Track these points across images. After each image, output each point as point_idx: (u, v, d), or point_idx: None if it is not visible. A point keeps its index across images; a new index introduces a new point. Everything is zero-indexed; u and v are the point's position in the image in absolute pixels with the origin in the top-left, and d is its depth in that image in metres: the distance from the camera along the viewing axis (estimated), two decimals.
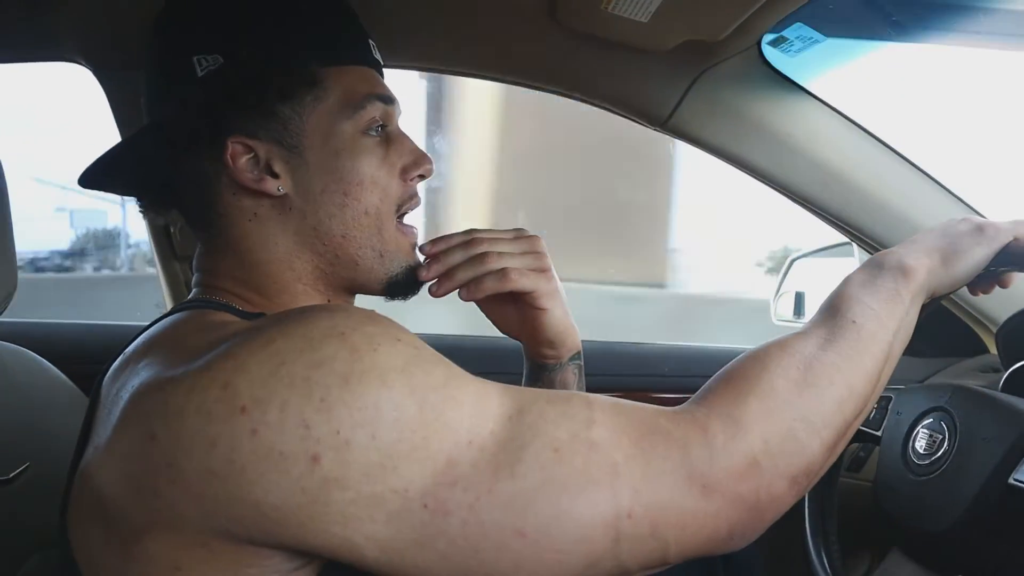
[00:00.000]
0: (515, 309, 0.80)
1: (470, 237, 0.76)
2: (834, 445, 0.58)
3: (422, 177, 0.74)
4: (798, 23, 1.03)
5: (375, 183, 0.69)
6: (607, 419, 0.53)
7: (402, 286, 0.74)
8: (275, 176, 0.67)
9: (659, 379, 1.34)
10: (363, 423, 0.48)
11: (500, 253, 0.76)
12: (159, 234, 1.27)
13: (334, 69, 0.68)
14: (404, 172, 0.72)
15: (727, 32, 0.98)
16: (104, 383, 0.60)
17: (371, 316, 0.53)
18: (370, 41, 0.74)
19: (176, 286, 1.31)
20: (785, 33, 1.06)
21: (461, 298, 0.76)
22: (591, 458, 0.51)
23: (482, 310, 0.83)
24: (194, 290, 0.71)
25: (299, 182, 0.67)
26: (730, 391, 0.56)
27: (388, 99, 0.71)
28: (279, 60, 0.66)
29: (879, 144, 1.18)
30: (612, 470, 0.51)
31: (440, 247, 0.76)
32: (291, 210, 0.68)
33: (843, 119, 1.17)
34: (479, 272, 0.75)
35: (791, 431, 0.55)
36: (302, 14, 0.69)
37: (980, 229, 0.71)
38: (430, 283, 0.76)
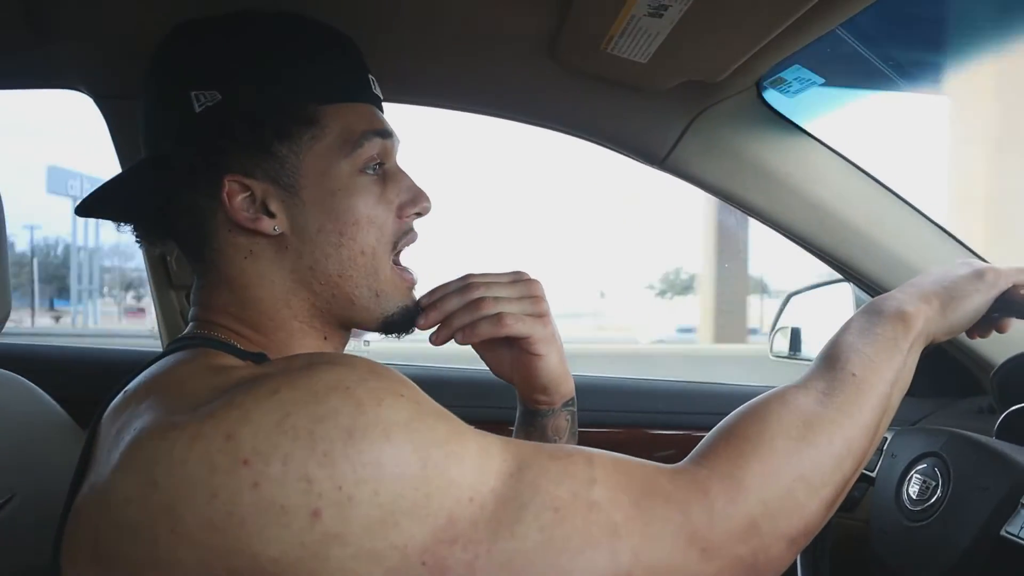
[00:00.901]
0: (510, 353, 0.80)
1: (466, 283, 0.76)
2: (833, 502, 0.58)
3: (419, 215, 0.73)
4: (796, 65, 1.04)
5: (372, 222, 0.69)
6: (608, 478, 0.53)
7: (398, 325, 0.73)
8: (271, 215, 0.67)
9: (653, 415, 1.34)
10: (366, 479, 0.48)
11: (496, 298, 0.75)
12: (155, 262, 1.27)
13: (332, 107, 0.68)
14: (401, 209, 0.71)
15: (726, 73, 0.99)
16: (103, 420, 0.60)
17: (374, 369, 0.53)
18: (370, 76, 0.73)
19: (171, 315, 1.31)
20: (783, 74, 1.07)
21: (457, 342, 0.76)
22: (591, 518, 0.51)
23: (478, 352, 0.82)
24: (191, 324, 0.71)
25: (295, 221, 0.67)
26: (731, 450, 0.56)
27: (386, 134, 0.71)
28: (277, 99, 0.65)
29: (876, 184, 1.19)
30: (612, 531, 0.51)
31: (436, 295, 0.76)
32: (287, 249, 0.68)
33: (841, 159, 1.18)
34: (475, 317, 0.75)
35: (790, 492, 0.55)
36: (301, 51, 0.68)
37: (980, 275, 0.71)
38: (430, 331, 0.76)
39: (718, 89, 1.06)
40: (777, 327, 1.57)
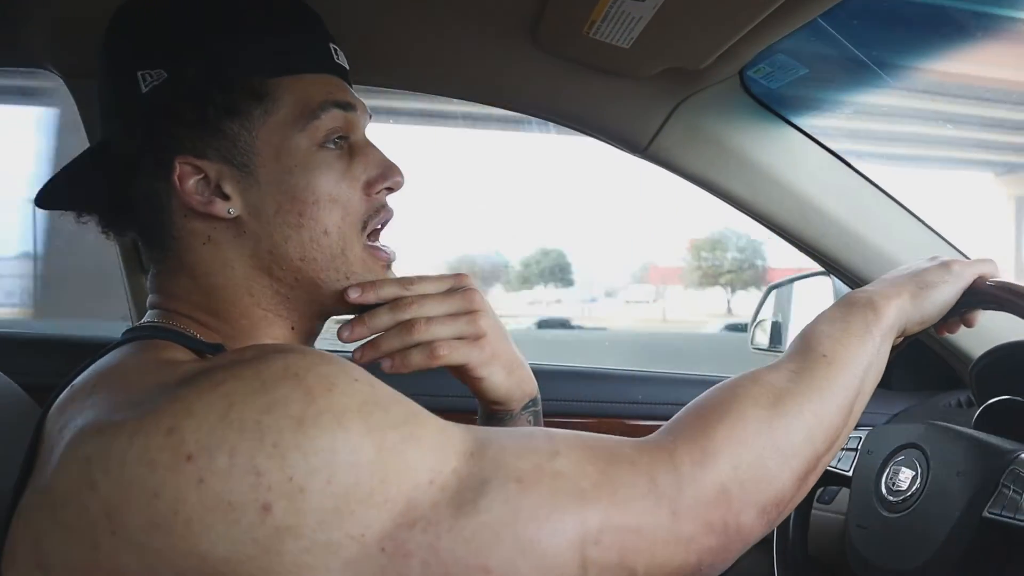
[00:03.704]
0: (454, 375, 0.74)
1: (398, 295, 0.69)
2: (804, 476, 0.58)
3: (390, 190, 0.70)
4: (780, 54, 1.04)
5: (334, 200, 0.66)
6: (570, 450, 0.52)
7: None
8: (225, 198, 0.64)
9: (632, 406, 1.33)
10: (318, 468, 0.46)
11: (428, 319, 0.68)
12: (126, 248, 1.24)
13: (285, 79, 0.65)
14: (369, 186, 0.68)
15: (709, 60, 0.98)
16: (49, 417, 0.57)
17: (326, 357, 0.51)
18: (332, 47, 0.70)
19: (143, 301, 1.28)
20: (767, 63, 1.06)
21: (384, 370, 0.68)
22: (557, 486, 0.50)
23: None
24: (149, 313, 0.68)
25: (251, 203, 0.64)
26: (698, 420, 0.56)
27: (348, 106, 0.67)
28: (220, 74, 0.63)
29: (858, 176, 1.19)
30: (579, 497, 0.50)
31: (369, 297, 0.68)
32: (245, 233, 0.65)
33: (824, 150, 1.18)
34: (405, 344, 0.68)
35: (760, 459, 0.55)
36: (249, 23, 0.65)
37: (947, 267, 0.72)
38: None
39: (701, 77, 1.05)
40: (758, 320, 1.57)
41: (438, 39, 1.03)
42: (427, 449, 0.50)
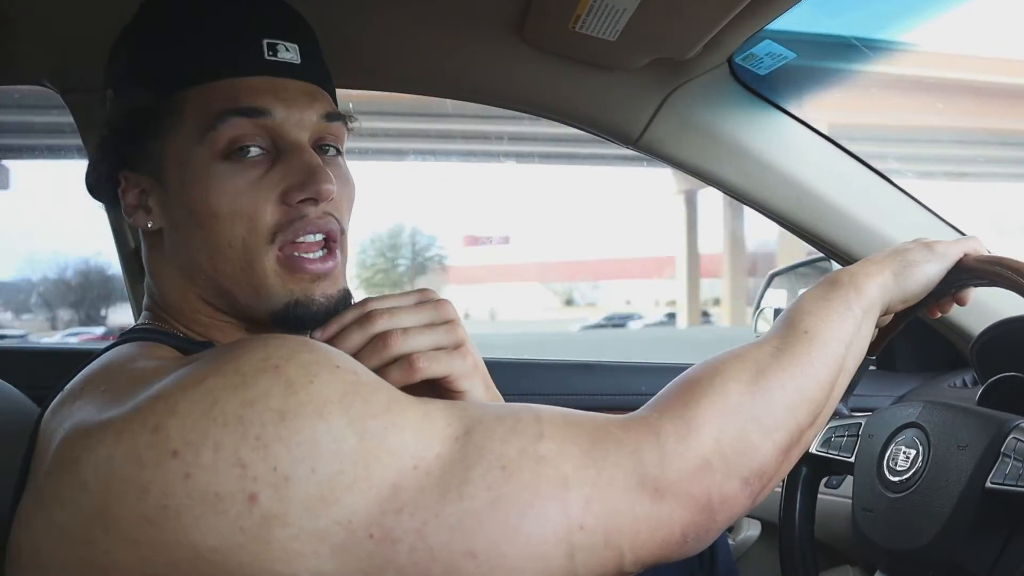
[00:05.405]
0: (431, 389, 0.66)
1: (365, 311, 0.64)
2: (787, 449, 0.58)
3: (315, 201, 0.65)
4: (767, 40, 1.04)
5: (236, 213, 0.63)
6: (556, 431, 0.53)
7: (290, 322, 0.66)
8: (149, 211, 0.67)
9: (636, 398, 1.32)
10: (302, 458, 0.47)
11: (404, 330, 0.64)
12: (127, 255, 1.26)
13: (191, 91, 0.64)
14: (287, 195, 0.64)
15: (695, 50, 0.99)
16: (43, 420, 0.58)
17: (307, 344, 0.52)
18: (267, 43, 0.65)
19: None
20: (755, 51, 1.06)
21: None
22: (540, 472, 0.50)
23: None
24: (142, 315, 0.71)
25: (168, 216, 0.67)
26: (682, 395, 0.57)
27: (255, 111, 0.64)
28: (134, 92, 0.66)
29: (853, 159, 1.19)
30: (562, 483, 0.51)
31: (332, 331, 0.65)
32: (166, 244, 0.68)
33: (817, 135, 1.18)
34: (383, 360, 0.63)
35: (743, 432, 0.55)
36: (157, 38, 0.67)
37: (930, 247, 0.72)
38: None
39: (690, 67, 1.06)
40: (761, 307, 1.57)
41: (424, 38, 1.04)
42: (409, 435, 0.50)
